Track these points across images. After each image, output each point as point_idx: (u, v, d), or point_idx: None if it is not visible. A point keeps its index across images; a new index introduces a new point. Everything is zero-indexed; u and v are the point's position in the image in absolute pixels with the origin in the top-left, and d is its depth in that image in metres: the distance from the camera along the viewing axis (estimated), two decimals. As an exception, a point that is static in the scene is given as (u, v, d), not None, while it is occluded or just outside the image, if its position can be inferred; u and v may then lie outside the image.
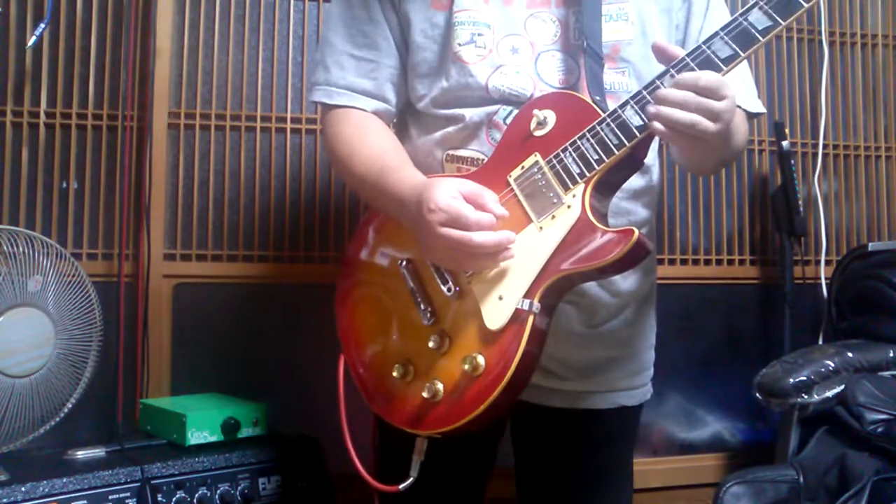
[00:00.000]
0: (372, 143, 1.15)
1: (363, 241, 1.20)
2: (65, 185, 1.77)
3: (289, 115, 1.87)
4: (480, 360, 0.99)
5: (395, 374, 1.07)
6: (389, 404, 1.08)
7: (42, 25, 1.69)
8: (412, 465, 1.04)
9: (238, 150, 1.85)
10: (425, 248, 1.03)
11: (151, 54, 1.78)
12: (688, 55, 0.98)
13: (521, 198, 1.03)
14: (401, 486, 1.04)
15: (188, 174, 1.83)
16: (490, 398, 0.97)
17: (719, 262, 2.13)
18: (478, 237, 0.97)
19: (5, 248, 1.43)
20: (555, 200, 1.01)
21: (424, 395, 1.01)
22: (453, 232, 0.97)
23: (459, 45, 1.12)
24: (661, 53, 1.00)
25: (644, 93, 0.98)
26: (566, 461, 1.24)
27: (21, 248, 1.44)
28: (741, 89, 1.23)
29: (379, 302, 1.14)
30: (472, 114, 1.11)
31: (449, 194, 0.98)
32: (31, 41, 1.69)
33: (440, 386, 1.01)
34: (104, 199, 1.78)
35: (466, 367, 0.99)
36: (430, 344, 1.04)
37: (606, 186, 1.03)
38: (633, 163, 1.04)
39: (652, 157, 1.20)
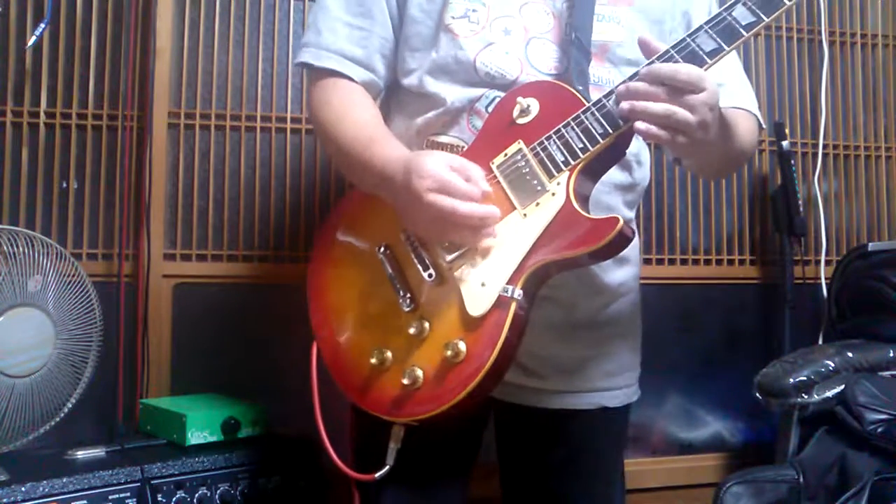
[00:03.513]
0: (359, 113, 1.15)
1: (336, 228, 1.18)
2: (65, 185, 1.77)
3: (289, 115, 1.87)
4: (462, 346, 0.99)
5: (372, 360, 1.05)
6: (366, 392, 1.07)
7: (42, 25, 1.69)
8: (388, 454, 1.04)
9: (238, 150, 1.85)
10: (408, 217, 1.03)
11: (151, 54, 1.78)
12: (672, 48, 0.99)
13: (504, 185, 1.03)
14: (376, 475, 1.03)
15: (188, 174, 1.83)
16: (472, 384, 0.97)
17: (719, 262, 2.13)
18: (464, 207, 0.97)
19: (5, 248, 1.43)
20: (539, 188, 1.01)
21: (404, 381, 1.01)
22: (441, 199, 0.97)
23: (453, 17, 1.12)
24: (645, 47, 1.01)
25: (629, 81, 0.99)
26: (549, 463, 1.23)
27: (21, 248, 1.44)
28: (745, 94, 1.24)
29: (354, 288, 1.13)
30: (453, 98, 1.11)
31: (439, 163, 0.99)
32: (31, 41, 1.69)
33: (420, 372, 1.01)
34: (104, 199, 1.78)
35: (448, 353, 0.99)
36: (411, 330, 1.03)
37: (590, 175, 1.04)
38: (616, 152, 1.05)
39: (644, 156, 1.21)
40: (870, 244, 2.00)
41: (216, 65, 1.84)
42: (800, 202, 2.06)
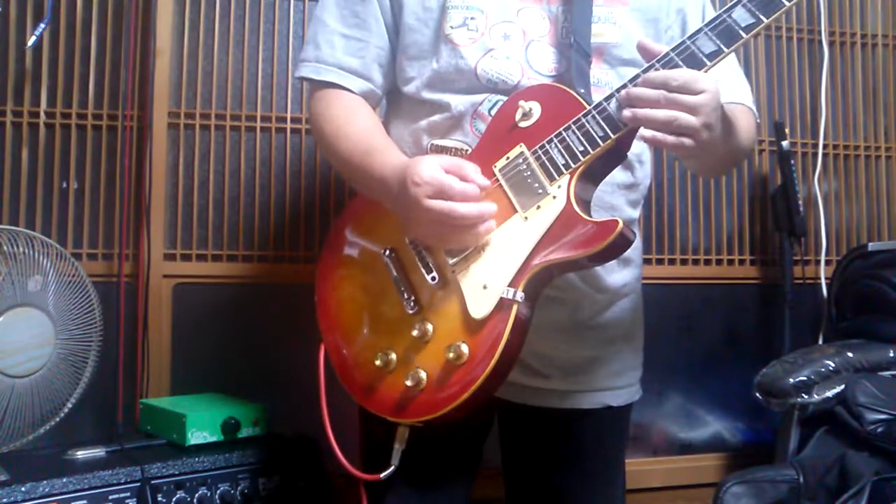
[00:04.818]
0: (359, 124, 1.16)
1: (345, 231, 1.20)
2: (65, 185, 1.77)
3: (289, 115, 1.87)
4: (464, 348, 1.00)
5: (377, 362, 1.06)
6: (371, 393, 1.08)
7: (42, 25, 1.69)
8: (393, 454, 1.05)
9: (238, 150, 1.85)
10: (409, 224, 1.04)
11: (151, 54, 1.78)
12: (672, 50, 0.99)
13: (506, 188, 1.04)
14: (382, 475, 1.04)
15: (188, 174, 1.83)
16: (474, 386, 0.98)
17: (719, 262, 2.13)
18: (462, 207, 0.98)
19: (5, 248, 1.43)
20: (540, 191, 1.02)
21: (408, 383, 1.02)
22: (438, 203, 0.98)
23: (452, 27, 1.13)
24: (645, 52, 1.02)
25: (630, 86, 0.99)
26: (553, 462, 1.24)
27: (21, 248, 1.44)
28: (741, 89, 1.24)
29: (360, 291, 1.14)
30: (457, 102, 1.12)
31: (433, 168, 0.99)
32: (31, 41, 1.69)
33: (423, 374, 1.02)
34: (104, 199, 1.78)
35: (451, 355, 1.00)
36: (414, 332, 1.04)
37: (591, 178, 1.05)
38: (617, 155, 1.05)
39: (646, 156, 1.21)
40: (870, 244, 2.00)
41: (216, 65, 1.84)
42: (800, 202, 2.06)
